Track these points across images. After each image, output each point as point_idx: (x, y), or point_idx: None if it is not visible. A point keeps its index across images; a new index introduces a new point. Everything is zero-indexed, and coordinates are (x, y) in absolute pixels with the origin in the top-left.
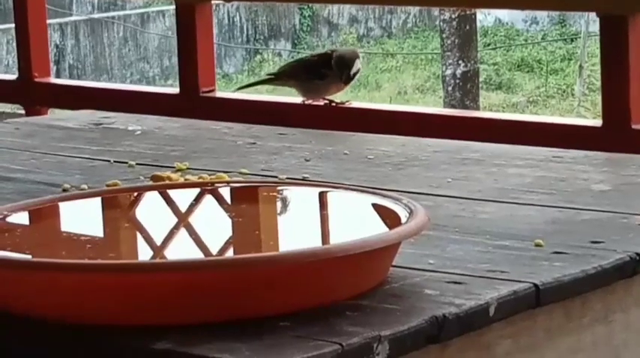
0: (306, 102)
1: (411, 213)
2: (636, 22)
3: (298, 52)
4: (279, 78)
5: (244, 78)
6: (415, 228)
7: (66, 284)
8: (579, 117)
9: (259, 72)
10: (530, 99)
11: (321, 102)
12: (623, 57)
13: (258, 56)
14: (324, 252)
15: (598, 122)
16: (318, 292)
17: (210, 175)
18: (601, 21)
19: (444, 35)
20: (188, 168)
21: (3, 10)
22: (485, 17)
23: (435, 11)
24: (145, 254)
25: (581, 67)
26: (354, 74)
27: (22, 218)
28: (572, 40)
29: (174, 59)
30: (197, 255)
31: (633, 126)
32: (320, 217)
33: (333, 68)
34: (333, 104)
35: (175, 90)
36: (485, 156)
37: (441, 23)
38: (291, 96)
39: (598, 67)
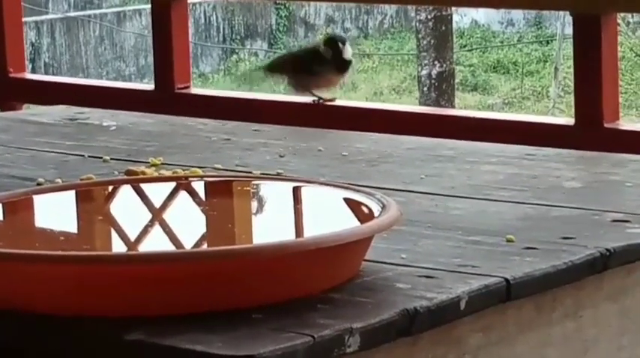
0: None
1: (383, 207)
2: (609, 21)
3: (274, 52)
4: (272, 70)
5: (220, 77)
6: (387, 222)
7: (38, 275)
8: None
9: (235, 71)
10: (506, 100)
11: (310, 100)
12: (595, 56)
13: (235, 56)
14: (297, 245)
15: (570, 121)
16: (291, 285)
17: (184, 170)
18: (574, 20)
19: (419, 36)
20: (162, 164)
21: None
22: (461, 19)
23: (412, 12)
24: (119, 247)
25: (556, 69)
26: (348, 61)
27: None
28: (547, 43)
29: (151, 58)
30: (171, 247)
31: (605, 125)
32: (294, 211)
33: (323, 53)
34: (321, 101)
35: (150, 86)
36: (459, 154)
37: (417, 23)
38: (264, 92)
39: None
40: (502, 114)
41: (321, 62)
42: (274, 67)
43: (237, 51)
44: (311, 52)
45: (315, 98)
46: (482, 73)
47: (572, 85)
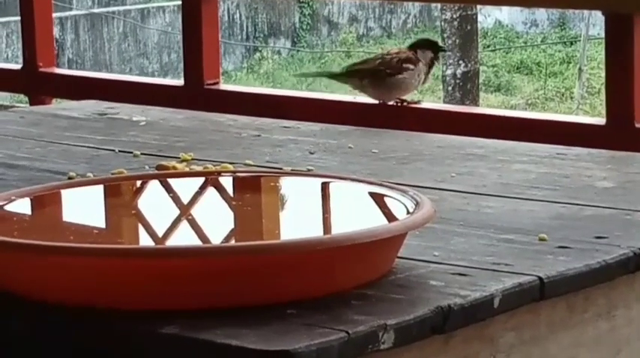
0: (379, 102)
1: (417, 204)
2: None
3: (298, 51)
4: (349, 75)
5: (243, 75)
6: (422, 219)
7: (76, 267)
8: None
9: (258, 69)
10: (529, 101)
11: (392, 102)
12: (628, 55)
13: (258, 54)
14: (332, 241)
15: (601, 120)
16: (325, 281)
17: (215, 166)
18: (606, 19)
19: (444, 35)
20: (193, 159)
21: (2, 4)
22: (485, 19)
23: (435, 12)
24: (150, 240)
25: (580, 70)
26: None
27: (29, 203)
28: (571, 44)
29: (174, 55)
30: (203, 242)
31: (637, 125)
32: (327, 207)
33: (418, 55)
34: (405, 104)
35: (180, 82)
36: (489, 152)
37: (442, 23)
38: (292, 89)
39: (597, 71)
40: (532, 114)
41: (411, 63)
42: (354, 73)
43: (260, 49)
44: (398, 56)
45: (399, 101)
46: (505, 74)
47: (596, 86)
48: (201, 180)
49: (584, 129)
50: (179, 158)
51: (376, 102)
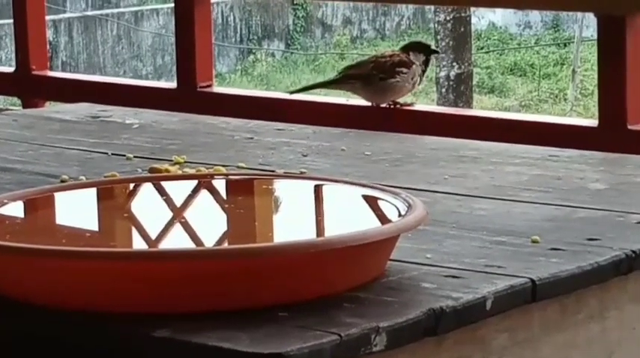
0: (374, 105)
1: (409, 206)
2: (634, 22)
3: (292, 53)
4: (342, 81)
5: (237, 77)
6: (414, 222)
7: (68, 271)
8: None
9: (252, 72)
10: (523, 103)
11: (385, 105)
12: (620, 57)
13: (252, 56)
14: (325, 243)
15: (594, 122)
16: (317, 283)
17: (207, 169)
18: (598, 21)
19: (438, 37)
20: (186, 162)
21: None
22: (478, 21)
23: (429, 14)
24: (144, 243)
25: (574, 71)
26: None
27: (21, 207)
28: (565, 45)
29: (168, 58)
30: (195, 245)
31: (629, 127)
32: (319, 210)
33: (411, 57)
34: (398, 106)
35: (173, 84)
36: (482, 154)
37: (436, 25)
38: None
39: (591, 72)
40: (525, 116)
41: (404, 67)
42: (345, 78)
43: (254, 51)
44: (391, 59)
45: (391, 104)
46: (499, 76)
47: (590, 87)
48: (194, 182)
49: (577, 130)
50: (172, 161)
51: (369, 104)
